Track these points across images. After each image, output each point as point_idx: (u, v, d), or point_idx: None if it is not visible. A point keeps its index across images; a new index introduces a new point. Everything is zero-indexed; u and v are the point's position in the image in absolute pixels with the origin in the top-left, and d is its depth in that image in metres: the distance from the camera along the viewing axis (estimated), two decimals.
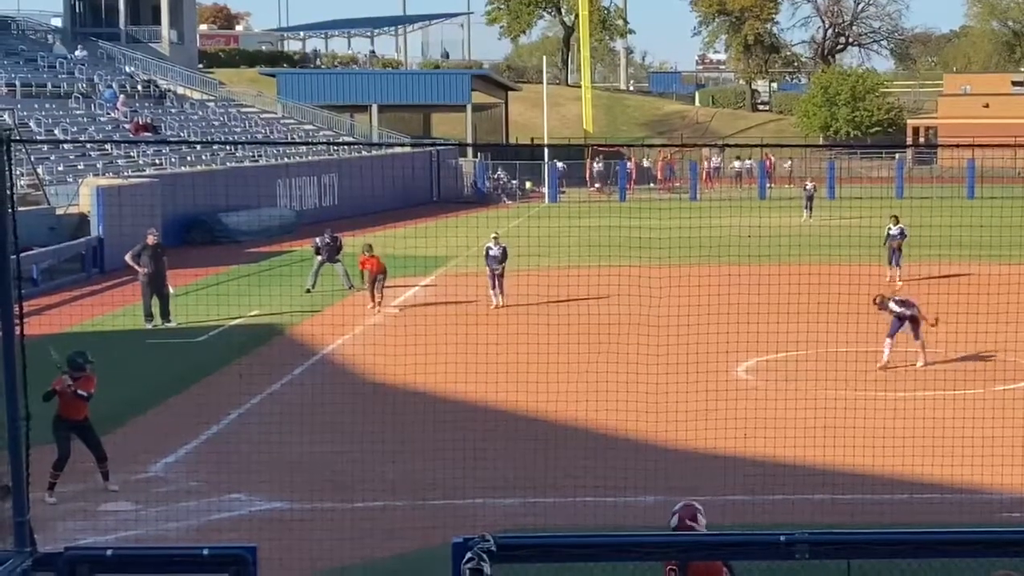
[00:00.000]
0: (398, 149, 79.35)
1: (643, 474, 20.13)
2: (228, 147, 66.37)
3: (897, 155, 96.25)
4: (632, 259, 35.13)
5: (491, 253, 37.75)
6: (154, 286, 35.51)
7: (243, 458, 21.63)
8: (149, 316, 35.41)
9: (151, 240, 36.22)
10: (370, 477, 20.77)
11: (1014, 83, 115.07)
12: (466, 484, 20.18)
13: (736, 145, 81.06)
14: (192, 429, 24.14)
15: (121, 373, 29.81)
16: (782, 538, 8.85)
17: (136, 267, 35.79)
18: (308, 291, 39.98)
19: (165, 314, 35.48)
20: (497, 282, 37.61)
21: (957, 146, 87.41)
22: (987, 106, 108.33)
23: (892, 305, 29.23)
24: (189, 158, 63.51)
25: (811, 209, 64.69)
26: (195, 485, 20.96)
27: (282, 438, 22.46)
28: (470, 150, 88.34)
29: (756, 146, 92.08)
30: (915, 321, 28.79)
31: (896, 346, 28.97)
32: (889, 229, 43.46)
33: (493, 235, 38.82)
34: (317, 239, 41.40)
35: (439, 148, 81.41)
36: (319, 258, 40.75)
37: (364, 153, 77.98)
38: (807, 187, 67.20)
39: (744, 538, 9.74)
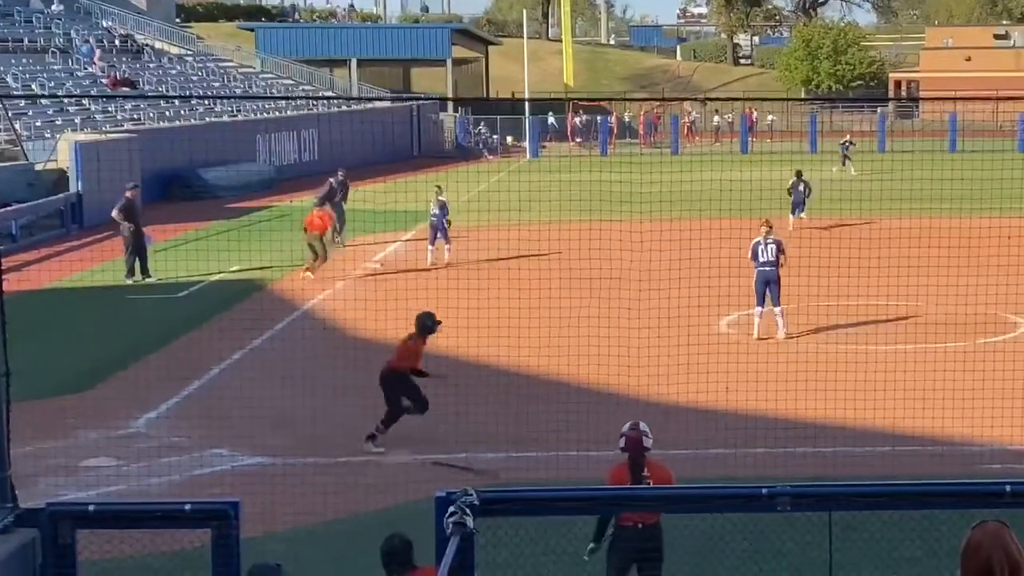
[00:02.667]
0: (378, 104, 79.10)
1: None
2: (207, 102, 66.07)
3: (879, 109, 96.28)
4: (614, 214, 35.11)
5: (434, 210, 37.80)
6: (137, 241, 35.39)
7: (225, 413, 21.58)
8: (132, 272, 35.29)
9: (131, 194, 36.09)
10: (353, 432, 20.75)
11: (996, 36, 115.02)
12: (449, 439, 20.20)
13: (718, 99, 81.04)
14: (174, 385, 24.07)
15: (102, 329, 29.81)
16: (764, 491, 8.86)
17: (126, 223, 35.49)
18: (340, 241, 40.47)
19: (144, 269, 35.36)
20: (442, 235, 37.50)
21: (938, 99, 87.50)
22: (969, 59, 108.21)
23: (762, 246, 27.88)
24: (168, 113, 63.19)
25: (849, 160, 65.54)
26: (177, 440, 20.93)
27: (264, 393, 22.45)
28: (451, 105, 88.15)
29: (738, 99, 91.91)
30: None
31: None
32: (794, 183, 46.16)
33: (436, 186, 38.88)
34: (332, 180, 41.47)
35: (419, 103, 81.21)
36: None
37: (344, 108, 77.72)
38: (844, 142, 68.34)
39: (726, 491, 9.75)
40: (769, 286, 27.44)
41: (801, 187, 48.03)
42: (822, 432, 20.52)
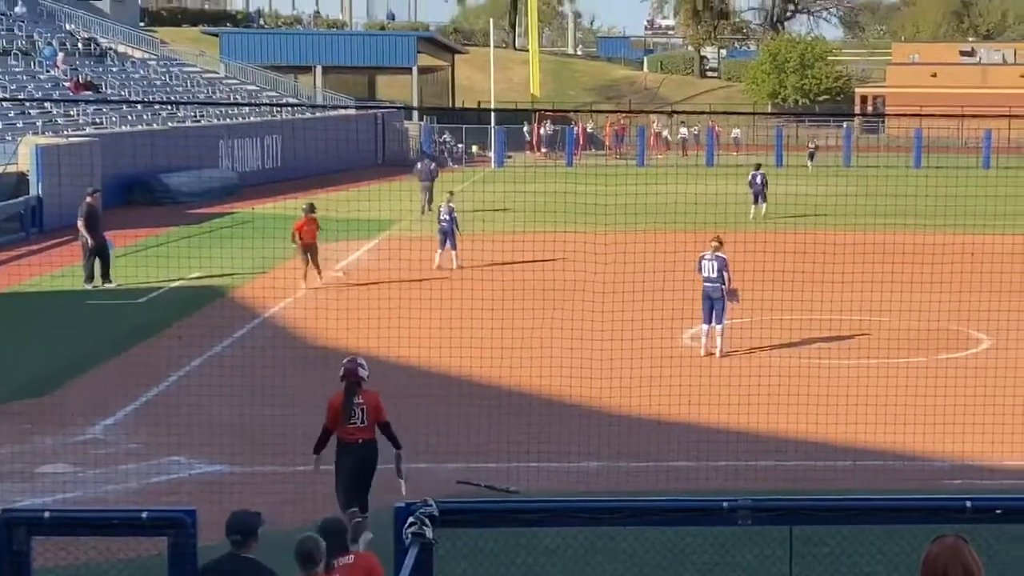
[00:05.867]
0: (343, 111, 78.98)
1: (588, 440, 20.10)
2: (170, 107, 65.79)
3: (845, 123, 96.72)
4: (579, 225, 35.03)
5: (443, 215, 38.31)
6: (99, 246, 34.97)
7: (183, 421, 21.40)
8: (90, 277, 34.91)
9: (91, 200, 35.73)
10: (312, 441, 20.54)
11: (962, 53, 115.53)
12: (408, 449, 20.05)
13: (685, 112, 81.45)
14: (132, 391, 23.90)
15: (61, 334, 29.57)
16: (725, 504, 8.82)
17: (88, 235, 34.97)
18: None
19: (106, 275, 34.98)
20: (450, 242, 37.99)
21: (903, 115, 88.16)
22: (935, 75, 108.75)
23: (706, 261, 27.35)
24: (130, 117, 62.76)
25: (813, 159, 78.91)
26: (135, 447, 20.75)
27: (223, 401, 22.26)
28: (416, 113, 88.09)
29: (705, 113, 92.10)
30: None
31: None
32: (753, 176, 51.38)
33: (448, 192, 39.57)
34: (420, 165, 51.47)
35: (384, 111, 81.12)
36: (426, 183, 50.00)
37: (308, 115, 77.51)
38: (811, 145, 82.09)
39: (688, 504, 9.68)
40: (714, 303, 27.10)
41: (758, 178, 49.94)
42: (784, 446, 20.47)
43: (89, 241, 34.91)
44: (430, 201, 49.47)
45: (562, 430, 20.90)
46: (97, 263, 35.02)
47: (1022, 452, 19.89)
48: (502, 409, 22.41)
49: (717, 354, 26.78)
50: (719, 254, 27.12)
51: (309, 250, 34.97)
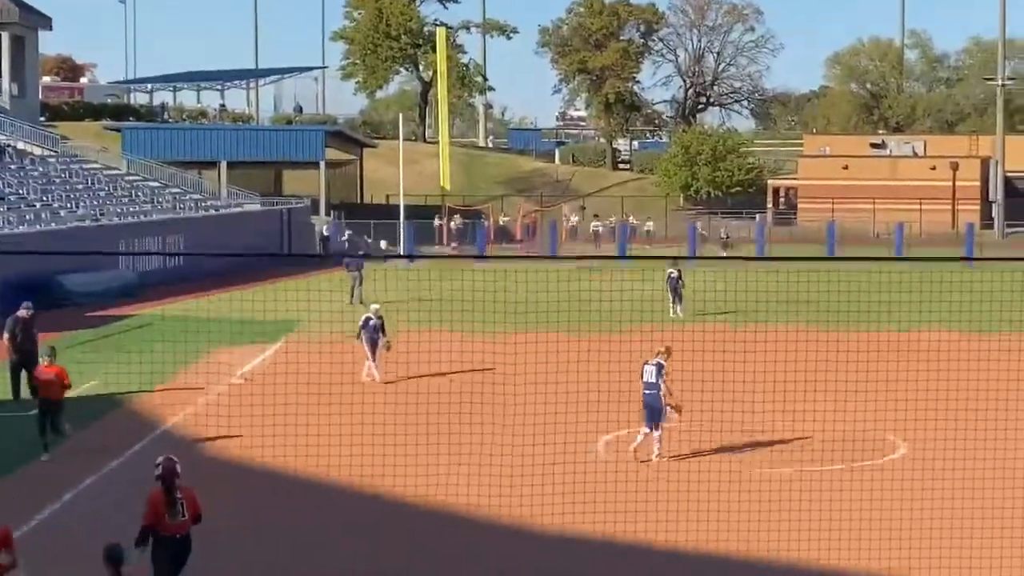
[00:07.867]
0: (248, 206, 77.87)
1: (496, 558, 19.70)
2: (69, 204, 64.18)
3: (757, 215, 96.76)
4: (487, 325, 33.93)
5: (371, 323, 35.79)
6: (25, 362, 32.90)
7: (76, 544, 20.32)
8: (17, 395, 32.92)
9: (22, 313, 33.99)
10: (213, 563, 19.13)
11: (872, 145, 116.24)
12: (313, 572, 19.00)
13: (599, 220, 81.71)
14: (23, 513, 22.46)
15: None
16: None
17: (11, 348, 33.22)
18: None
19: (16, 391, 32.96)
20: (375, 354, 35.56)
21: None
22: (846, 167, 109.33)
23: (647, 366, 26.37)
24: (28, 217, 61.00)
25: (727, 251, 78.33)
26: None
27: (119, 521, 20.90)
28: (323, 208, 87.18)
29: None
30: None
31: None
32: (670, 274, 50.07)
33: (374, 307, 36.84)
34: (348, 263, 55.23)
35: (291, 207, 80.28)
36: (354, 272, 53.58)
37: (212, 211, 76.07)
38: (723, 235, 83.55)
39: None
40: (650, 409, 25.95)
41: (676, 274, 49.24)
42: (699, 561, 19.97)
43: (12, 355, 33.17)
44: (360, 284, 53.27)
45: (464, 551, 19.89)
46: (25, 377, 32.90)
47: (935, 568, 18.84)
48: (405, 527, 21.72)
49: (654, 458, 25.94)
50: (658, 360, 26.11)
51: (49, 408, 27.55)
